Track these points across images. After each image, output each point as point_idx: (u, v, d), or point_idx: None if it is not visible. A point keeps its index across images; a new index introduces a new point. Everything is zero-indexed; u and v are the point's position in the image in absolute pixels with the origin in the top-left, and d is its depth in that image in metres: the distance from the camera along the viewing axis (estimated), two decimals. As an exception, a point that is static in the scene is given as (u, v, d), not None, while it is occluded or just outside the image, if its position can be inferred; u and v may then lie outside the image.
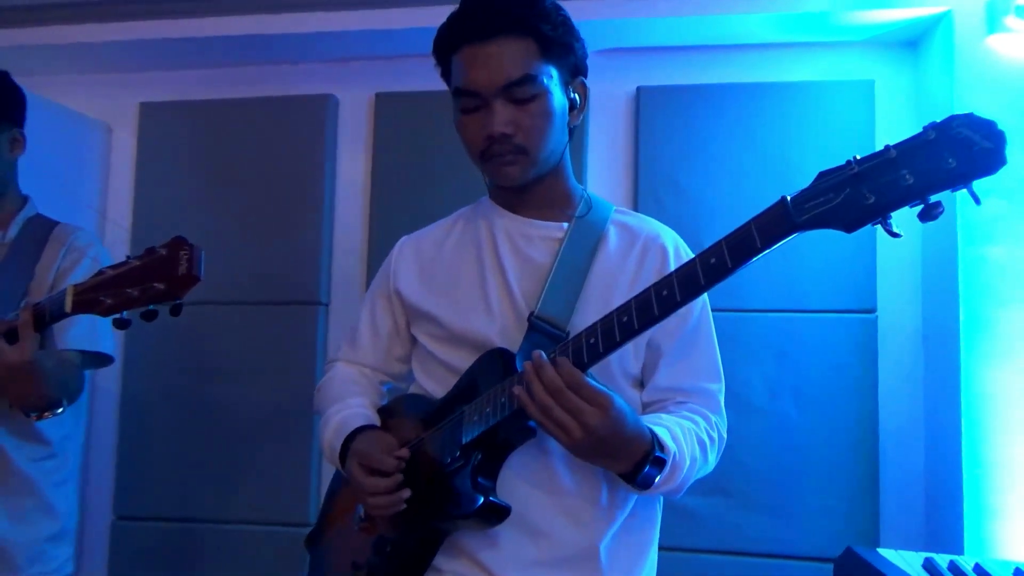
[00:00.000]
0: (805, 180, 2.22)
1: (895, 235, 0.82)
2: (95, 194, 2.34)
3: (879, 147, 2.15)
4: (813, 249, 1.98)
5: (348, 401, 1.22)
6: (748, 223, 0.89)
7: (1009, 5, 1.76)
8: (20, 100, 1.62)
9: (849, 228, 0.84)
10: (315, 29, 2.12)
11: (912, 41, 2.01)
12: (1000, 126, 0.77)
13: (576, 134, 2.06)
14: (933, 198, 0.79)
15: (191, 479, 2.20)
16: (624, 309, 0.96)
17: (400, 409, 1.24)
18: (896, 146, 0.81)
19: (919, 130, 0.80)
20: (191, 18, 2.16)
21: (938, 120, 0.79)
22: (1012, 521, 1.70)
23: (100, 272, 1.25)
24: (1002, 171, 0.76)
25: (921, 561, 1.26)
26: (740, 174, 2.02)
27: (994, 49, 1.81)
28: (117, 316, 1.22)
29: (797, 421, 1.95)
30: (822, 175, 0.86)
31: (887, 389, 1.95)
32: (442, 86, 1.17)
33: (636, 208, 2.06)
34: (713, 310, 1.98)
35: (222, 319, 2.22)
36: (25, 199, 1.66)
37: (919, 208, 0.80)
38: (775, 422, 1.95)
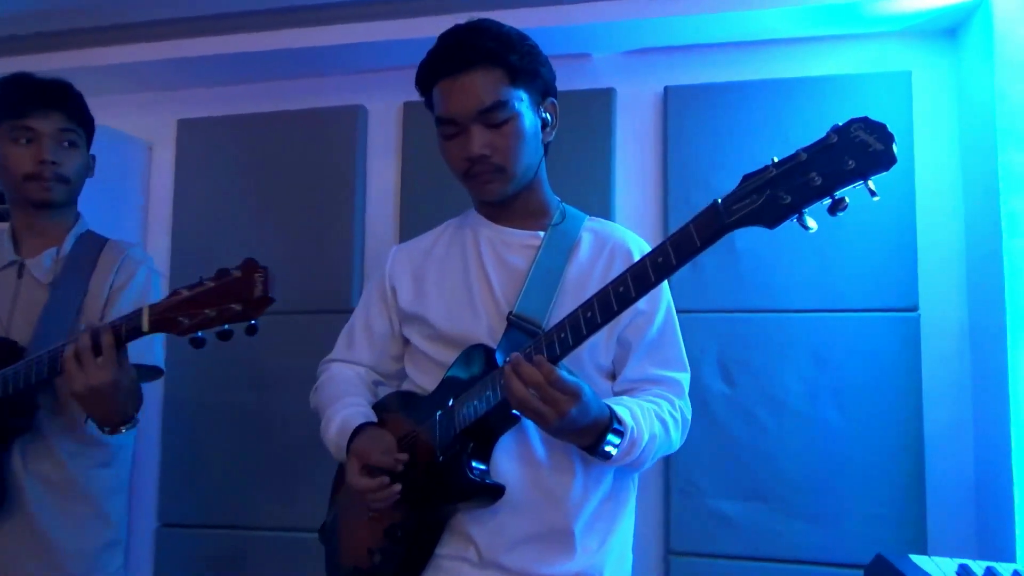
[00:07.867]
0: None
1: (807, 228, 0.92)
2: (137, 210, 2.41)
3: (918, 139, 2.08)
4: (850, 245, 1.91)
5: (347, 400, 1.32)
6: (687, 224, 0.99)
7: (1051, -13, 1.69)
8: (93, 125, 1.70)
9: (771, 225, 0.93)
10: (343, 41, 2.15)
11: (950, 29, 1.94)
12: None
13: (603, 137, 2.08)
14: (839, 194, 0.89)
15: (233, 486, 2.24)
16: (588, 306, 1.06)
17: (394, 405, 1.35)
18: (806, 149, 0.91)
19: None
20: (224, 35, 2.21)
21: (841, 124, 0.89)
22: (1068, 527, 1.61)
23: (176, 292, 1.29)
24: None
25: (956, 568, 1.21)
26: (772, 172, 1.97)
27: (1036, 34, 1.73)
28: (193, 336, 1.27)
29: (838, 425, 1.88)
30: (746, 178, 0.95)
31: (932, 390, 1.87)
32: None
33: (667, 210, 2.04)
34: (748, 311, 1.98)
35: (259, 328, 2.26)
36: (78, 215, 1.71)
37: (828, 203, 0.90)
38: (815, 427, 1.89)
